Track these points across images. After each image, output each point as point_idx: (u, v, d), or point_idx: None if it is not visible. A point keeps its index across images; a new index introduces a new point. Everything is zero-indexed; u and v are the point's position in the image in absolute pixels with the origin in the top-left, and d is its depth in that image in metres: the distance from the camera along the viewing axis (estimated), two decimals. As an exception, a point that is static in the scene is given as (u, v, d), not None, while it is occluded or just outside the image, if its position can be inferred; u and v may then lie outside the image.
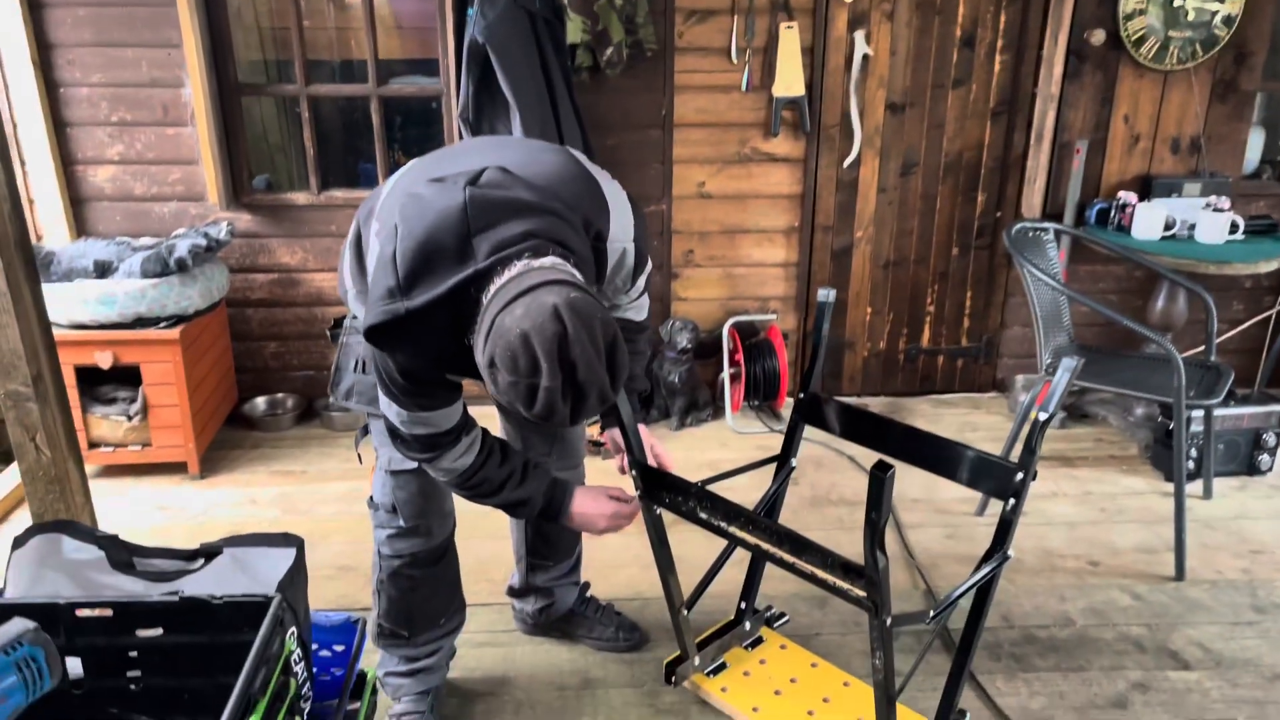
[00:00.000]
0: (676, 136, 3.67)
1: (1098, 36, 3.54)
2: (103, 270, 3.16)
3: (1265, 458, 3.33)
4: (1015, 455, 1.82)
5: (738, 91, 3.63)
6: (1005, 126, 3.76)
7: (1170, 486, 3.16)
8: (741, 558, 2.25)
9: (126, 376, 3.26)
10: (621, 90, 3.55)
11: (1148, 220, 3.51)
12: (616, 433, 2.02)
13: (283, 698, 1.38)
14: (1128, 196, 3.60)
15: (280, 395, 3.86)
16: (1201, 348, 3.33)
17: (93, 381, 3.27)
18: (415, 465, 1.79)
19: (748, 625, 2.38)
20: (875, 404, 4.02)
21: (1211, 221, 3.48)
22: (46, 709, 1.45)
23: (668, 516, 1.99)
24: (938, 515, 3.10)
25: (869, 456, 1.62)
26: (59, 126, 3.47)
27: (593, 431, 3.25)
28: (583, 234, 1.54)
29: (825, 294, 2.13)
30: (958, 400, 4.08)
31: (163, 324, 3.18)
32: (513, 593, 2.46)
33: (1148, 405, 3.64)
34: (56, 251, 3.22)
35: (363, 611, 2.04)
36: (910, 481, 3.20)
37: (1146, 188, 3.71)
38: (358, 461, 2.24)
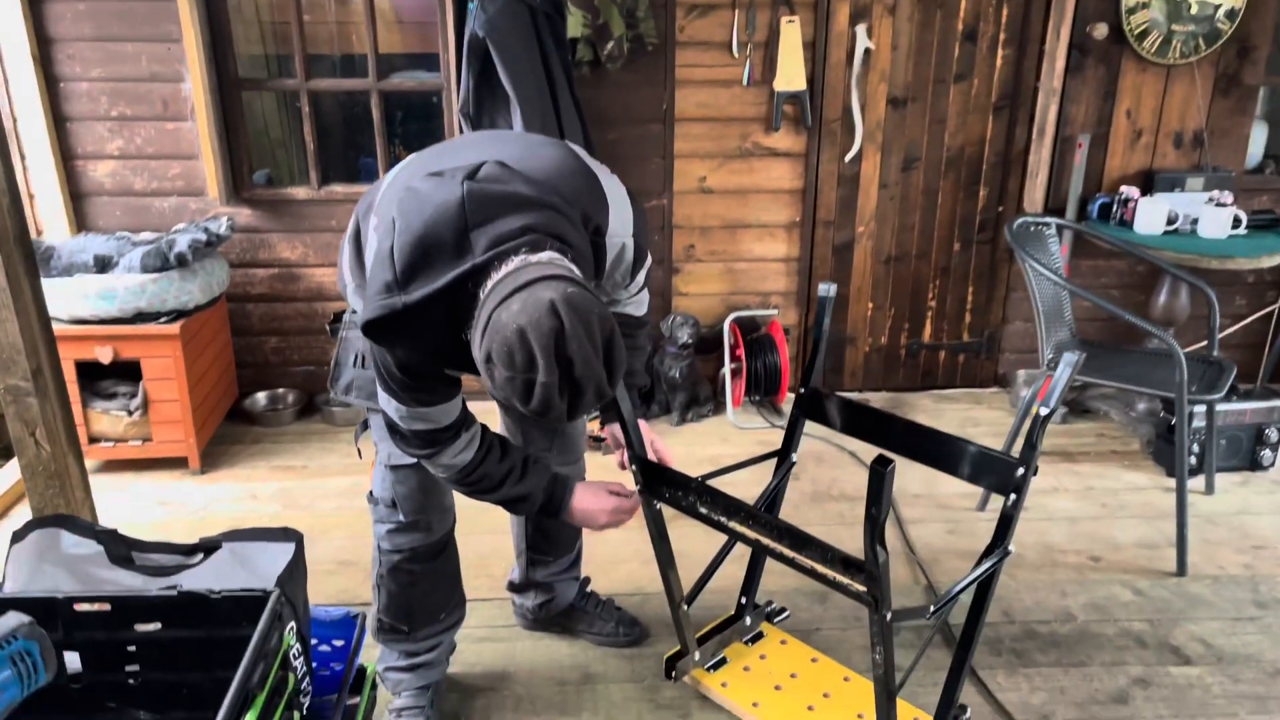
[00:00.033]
0: (677, 131, 3.66)
1: (1100, 30, 3.53)
2: (103, 265, 3.16)
3: (1267, 453, 3.32)
4: (1017, 450, 1.81)
5: (739, 86, 3.62)
6: (1007, 121, 3.75)
7: (1172, 482, 3.15)
8: (742, 553, 2.25)
9: (127, 371, 3.26)
10: (622, 85, 3.54)
11: (1150, 215, 3.50)
12: (617, 428, 2.01)
13: (281, 692, 1.38)
14: (1130, 191, 3.59)
15: (281, 390, 3.85)
16: (1204, 343, 3.32)
17: (93, 376, 3.27)
18: (415, 460, 1.78)
19: (748, 620, 2.38)
20: (877, 399, 4.02)
21: (1214, 216, 3.47)
22: (45, 704, 1.45)
23: (668, 512, 1.99)
24: (939, 511, 3.10)
25: (870, 452, 1.62)
26: (59, 121, 3.46)
27: (593, 427, 3.25)
28: (581, 229, 1.53)
29: (826, 289, 2.12)
30: (959, 395, 4.08)
31: (163, 319, 3.18)
32: (513, 588, 2.46)
33: (1150, 400, 3.64)
34: (56, 246, 3.22)
35: (363, 606, 2.04)
36: (911, 477, 3.20)
37: (1149, 182, 3.70)
38: (358, 456, 2.24)
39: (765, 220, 3.82)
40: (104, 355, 3.15)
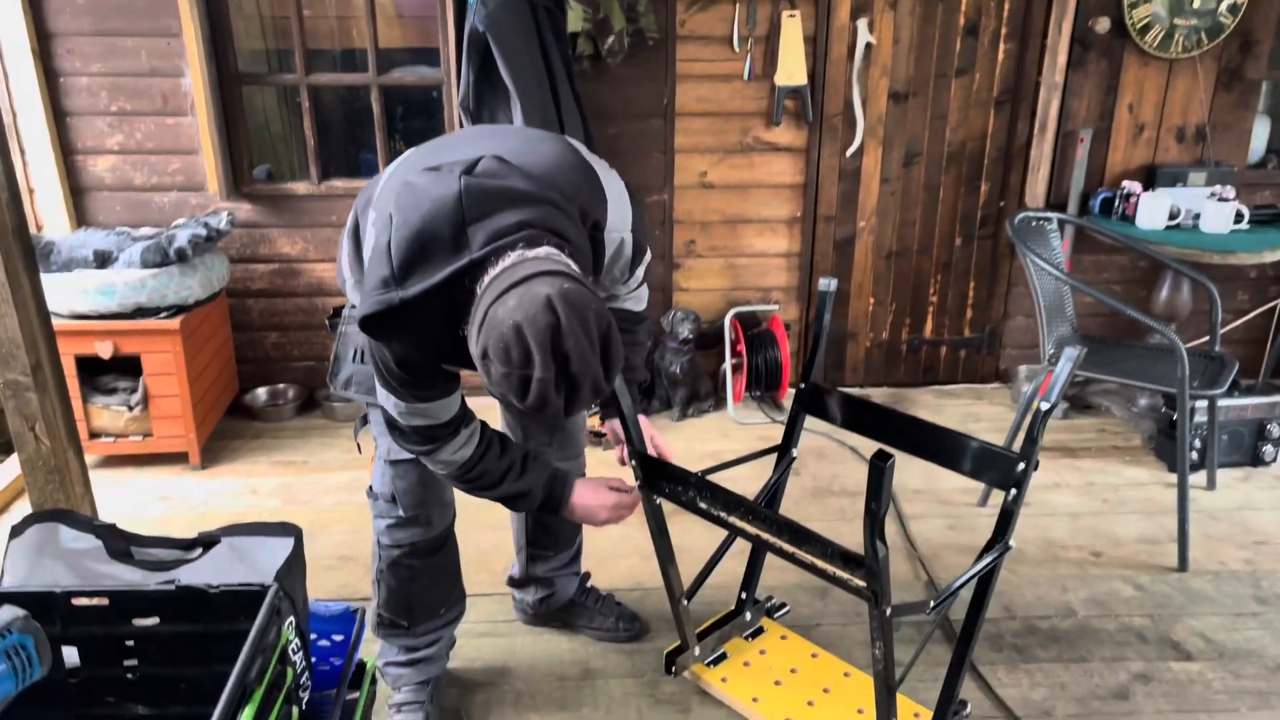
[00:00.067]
0: (678, 126, 3.65)
1: (1102, 24, 3.52)
2: (102, 260, 3.16)
3: (1269, 449, 3.32)
4: (1018, 446, 1.81)
5: (740, 80, 3.61)
6: (1009, 115, 3.74)
7: (1173, 477, 3.14)
8: (742, 548, 2.24)
9: (127, 367, 3.25)
10: (623, 79, 3.53)
11: (1152, 210, 3.49)
12: (617, 423, 2.01)
13: (280, 686, 1.38)
14: (1132, 186, 3.58)
15: (281, 386, 3.85)
16: (1206, 338, 3.31)
17: (93, 372, 3.27)
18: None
19: (748, 615, 2.38)
20: (878, 395, 4.01)
21: (1216, 211, 3.46)
22: (43, 698, 1.45)
23: (668, 507, 1.98)
24: (940, 506, 3.10)
25: (871, 447, 1.61)
26: (59, 116, 3.46)
27: (594, 422, 3.25)
28: (579, 224, 1.53)
29: (826, 283, 2.12)
30: (960, 391, 4.07)
31: (163, 314, 3.18)
32: (513, 583, 2.46)
33: (1151, 396, 3.63)
34: (56, 241, 3.21)
35: (363, 601, 2.04)
36: (912, 472, 3.19)
37: (1151, 177, 3.69)
38: (358, 452, 2.23)
39: (766, 215, 3.81)
40: (104, 350, 3.14)
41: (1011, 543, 1.80)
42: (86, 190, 3.56)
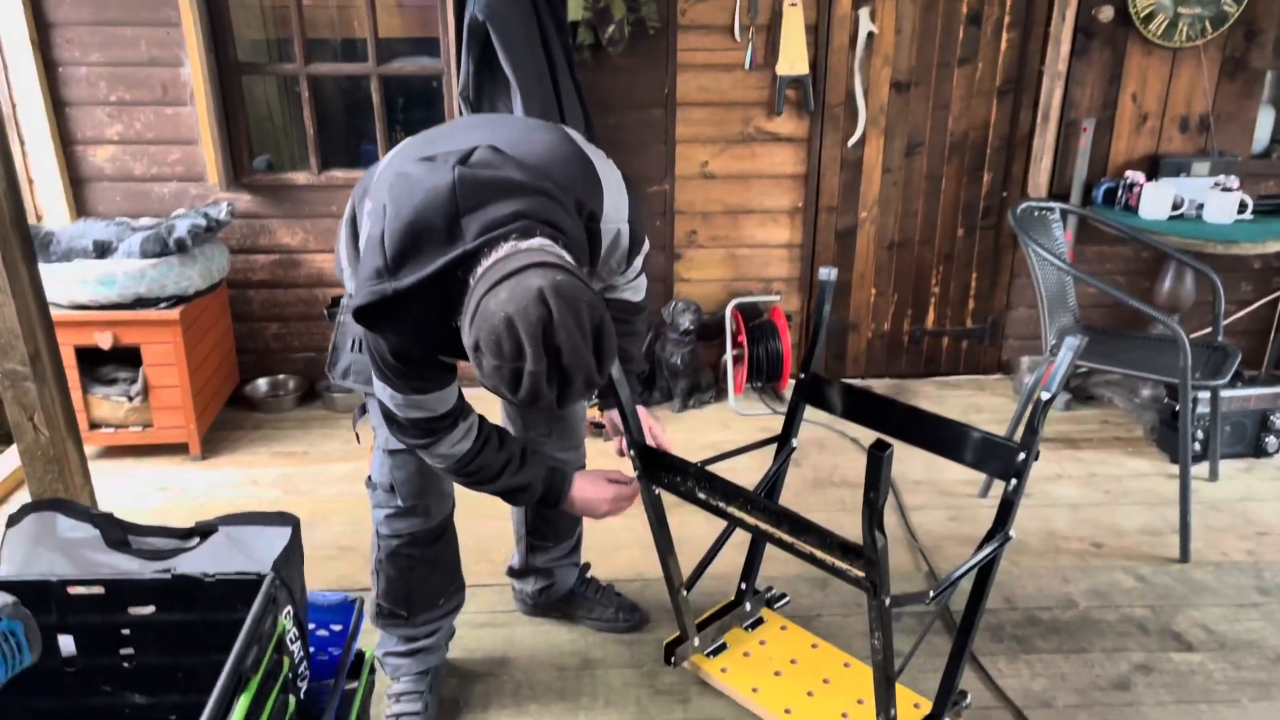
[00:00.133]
0: (679, 115, 3.63)
1: (1106, 13, 3.50)
2: (102, 250, 3.15)
3: (1272, 439, 3.30)
4: (1019, 436, 1.80)
5: (741, 70, 3.59)
6: (1011, 105, 3.72)
7: (1175, 468, 3.14)
8: (742, 539, 2.24)
9: (127, 357, 3.25)
10: (623, 69, 3.52)
11: (1155, 200, 3.47)
12: (616, 414, 2.00)
13: (276, 675, 1.37)
14: (1135, 176, 3.57)
15: (282, 376, 3.85)
16: (1208, 329, 3.30)
17: (93, 362, 3.27)
18: (413, 447, 1.78)
19: (748, 606, 2.37)
20: (879, 386, 4.00)
21: (1220, 201, 3.44)
22: (39, 687, 1.45)
23: (669, 498, 1.98)
24: (941, 497, 3.09)
25: (871, 438, 1.60)
26: (58, 106, 3.45)
27: (593, 413, 3.24)
28: (575, 215, 1.52)
29: (827, 273, 2.11)
30: (962, 382, 4.06)
31: (163, 304, 3.17)
32: (513, 573, 2.45)
33: (1154, 387, 3.62)
34: (56, 231, 3.21)
35: (363, 592, 2.04)
36: (913, 463, 3.19)
37: (1154, 167, 3.67)
38: (356, 442, 2.23)
39: (767, 206, 3.80)
40: (104, 341, 3.14)
41: (1012, 533, 1.80)
42: (86, 180, 3.55)
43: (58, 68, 3.41)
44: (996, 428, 2.29)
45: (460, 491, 2.02)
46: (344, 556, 2.73)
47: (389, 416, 1.69)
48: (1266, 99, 3.76)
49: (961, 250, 3.92)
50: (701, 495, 1.84)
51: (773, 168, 3.74)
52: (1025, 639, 2.40)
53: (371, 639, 2.12)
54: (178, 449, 3.34)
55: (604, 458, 2.30)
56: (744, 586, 2.35)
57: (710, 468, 1.87)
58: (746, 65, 3.58)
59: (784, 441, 2.20)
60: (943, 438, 1.92)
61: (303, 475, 3.25)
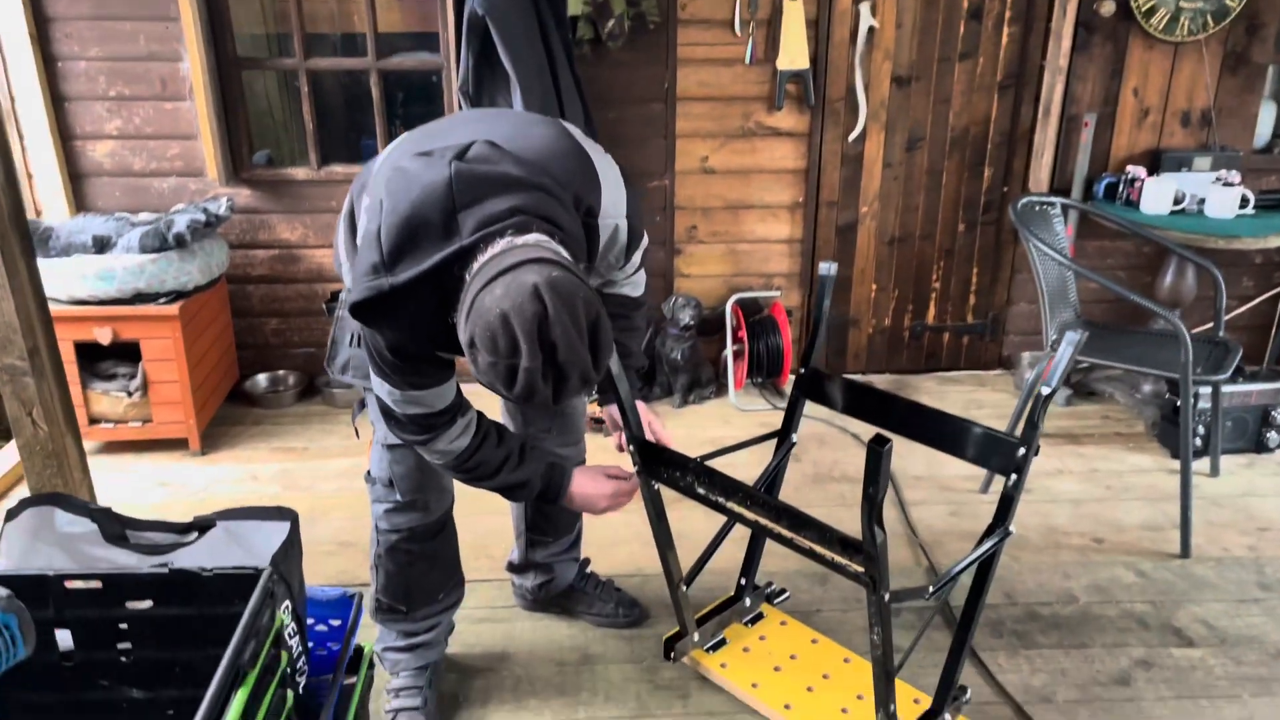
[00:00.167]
0: (679, 110, 3.63)
1: (1107, 7, 3.48)
2: (101, 245, 3.15)
3: (1273, 435, 3.30)
4: (1020, 432, 1.79)
5: (741, 65, 3.58)
6: (1013, 100, 3.71)
7: (1176, 464, 3.13)
8: (742, 534, 2.23)
9: (126, 353, 3.25)
10: (623, 63, 3.51)
11: (1156, 195, 3.46)
12: (615, 409, 2.00)
13: (274, 670, 1.37)
14: (1136, 171, 3.56)
15: (282, 372, 3.85)
16: (1210, 324, 3.30)
17: (93, 358, 3.27)
18: (412, 442, 1.77)
19: (748, 601, 2.37)
20: (880, 381, 4.00)
21: (1221, 196, 3.43)
22: (37, 681, 1.45)
23: (669, 494, 1.98)
24: (941, 492, 3.09)
25: (872, 433, 1.60)
26: (57, 101, 3.44)
27: (593, 409, 3.24)
28: (572, 210, 1.51)
29: (827, 268, 2.10)
30: (963, 378, 4.06)
31: (162, 300, 3.17)
32: (512, 568, 2.45)
33: (1155, 382, 3.61)
34: (55, 227, 3.20)
35: (362, 587, 2.03)
36: (913, 458, 3.18)
37: (1156, 162, 3.66)
38: (355, 437, 2.23)
39: (768, 201, 3.79)
40: (103, 336, 3.14)
41: (1012, 528, 1.79)
42: (85, 175, 3.55)
43: (57, 62, 3.40)
44: (997, 423, 2.29)
45: (460, 487, 2.01)
46: (343, 551, 2.73)
47: (387, 412, 1.68)
48: (1268, 94, 3.75)
49: (962, 245, 3.91)
50: (701, 490, 1.84)
51: (773, 163, 3.73)
52: (1025, 634, 2.40)
53: (371, 634, 2.12)
54: (177, 444, 3.34)
55: (604, 453, 2.29)
56: (744, 582, 2.35)
57: (710, 463, 1.86)
58: (747, 60, 3.57)
59: (784, 437, 2.20)
60: (943, 433, 1.91)
61: (302, 470, 3.25)
